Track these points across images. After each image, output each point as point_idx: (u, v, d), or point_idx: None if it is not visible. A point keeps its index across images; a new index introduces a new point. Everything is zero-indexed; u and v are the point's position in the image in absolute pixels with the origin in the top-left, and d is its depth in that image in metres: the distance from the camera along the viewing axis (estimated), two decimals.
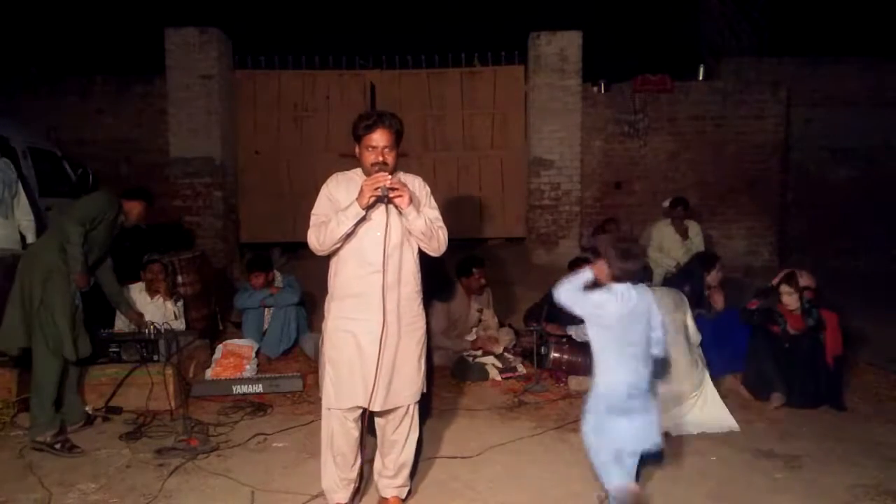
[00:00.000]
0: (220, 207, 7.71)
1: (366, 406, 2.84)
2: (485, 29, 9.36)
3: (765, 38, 9.60)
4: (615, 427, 2.82)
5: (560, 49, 7.67)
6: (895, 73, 8.31)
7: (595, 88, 8.09)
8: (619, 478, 2.83)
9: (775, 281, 4.66)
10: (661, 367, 3.11)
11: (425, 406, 3.08)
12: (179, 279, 5.75)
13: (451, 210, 7.96)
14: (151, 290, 5.27)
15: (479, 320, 5.62)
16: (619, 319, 2.82)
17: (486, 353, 5.32)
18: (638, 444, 2.85)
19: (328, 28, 10.65)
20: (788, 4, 9.67)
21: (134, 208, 4.32)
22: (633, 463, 2.89)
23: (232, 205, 7.98)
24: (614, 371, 2.84)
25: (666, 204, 7.00)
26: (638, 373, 2.84)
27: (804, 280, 4.58)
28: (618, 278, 2.84)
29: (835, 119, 8.34)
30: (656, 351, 2.93)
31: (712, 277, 5.31)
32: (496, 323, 5.73)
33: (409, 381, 2.93)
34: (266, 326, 5.62)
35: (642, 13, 10.80)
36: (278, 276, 5.84)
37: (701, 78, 8.23)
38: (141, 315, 4.78)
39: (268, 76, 8.07)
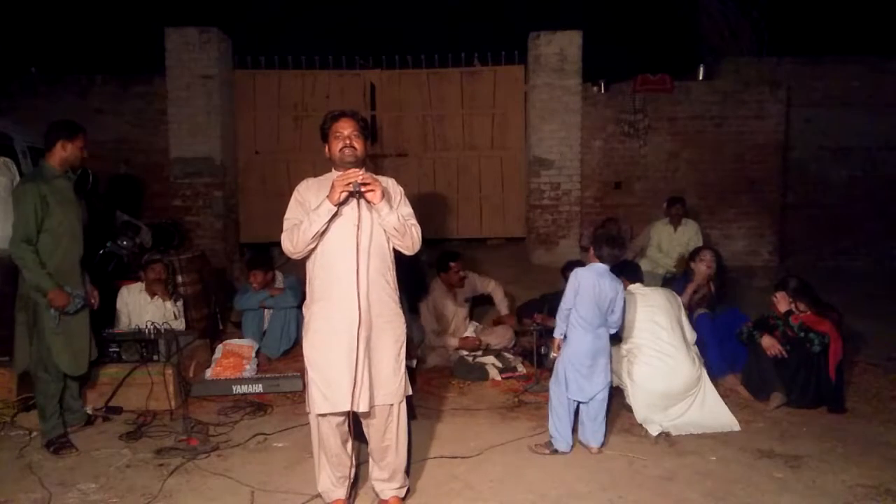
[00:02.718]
0: (220, 207, 7.71)
1: (351, 409, 2.82)
2: (485, 29, 9.35)
3: (765, 38, 9.58)
4: (576, 382, 3.63)
5: (560, 49, 7.67)
6: (895, 72, 8.30)
7: (595, 88, 8.08)
8: (565, 430, 3.65)
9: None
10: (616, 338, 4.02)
11: (410, 408, 3.10)
12: (179, 279, 5.75)
13: (451, 210, 8.00)
14: (151, 290, 5.27)
15: (469, 318, 5.64)
16: (588, 303, 3.61)
17: (486, 353, 5.34)
18: (589, 396, 3.65)
19: (328, 28, 10.64)
20: (788, 4, 9.66)
21: (59, 154, 3.70)
22: (595, 410, 3.68)
23: (232, 205, 7.98)
24: (581, 341, 3.63)
25: (665, 204, 7.01)
26: (598, 343, 3.65)
27: (784, 304, 4.53)
28: (600, 258, 3.68)
29: (835, 119, 8.32)
30: (613, 330, 3.77)
31: (697, 268, 5.23)
32: (500, 295, 5.84)
33: (387, 379, 2.92)
34: (266, 326, 5.62)
35: (642, 13, 10.79)
36: (279, 277, 5.83)
37: (701, 78, 8.22)
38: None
39: (268, 76, 8.07)
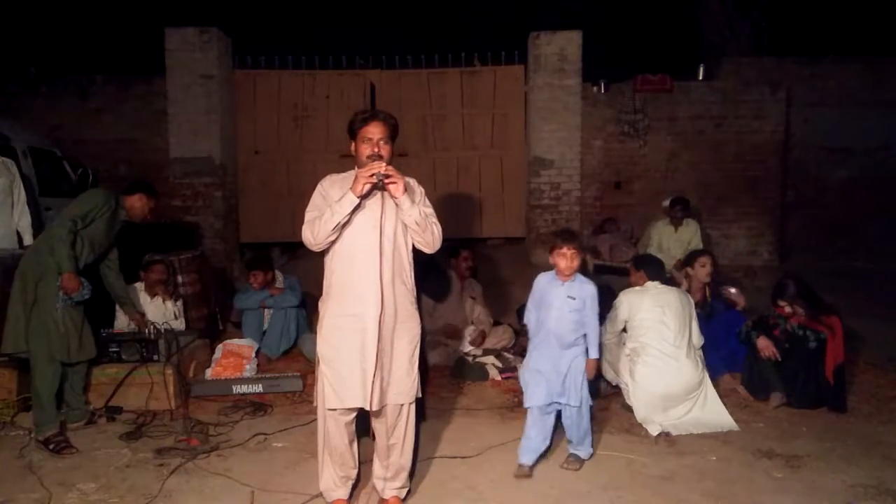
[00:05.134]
0: (220, 207, 7.71)
1: (364, 406, 2.83)
2: (485, 29, 9.37)
3: (765, 38, 9.59)
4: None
5: (560, 49, 7.66)
6: (895, 73, 8.30)
7: (595, 88, 8.09)
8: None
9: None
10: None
11: (421, 409, 3.11)
12: (179, 279, 5.75)
13: (451, 210, 7.98)
14: (151, 290, 5.27)
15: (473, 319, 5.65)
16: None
17: (486, 353, 5.34)
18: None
19: (328, 28, 10.66)
20: (788, 4, 9.67)
21: (136, 203, 4.22)
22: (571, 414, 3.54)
23: (232, 205, 7.98)
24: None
25: (665, 203, 7.01)
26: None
27: (787, 308, 4.53)
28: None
29: (835, 119, 8.32)
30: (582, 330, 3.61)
31: (697, 273, 5.17)
32: (488, 318, 5.74)
33: (401, 380, 2.92)
34: (266, 326, 5.62)
35: (642, 13, 10.81)
36: (279, 277, 5.83)
37: (701, 78, 8.22)
38: (143, 315, 4.74)
39: (268, 76, 8.07)
